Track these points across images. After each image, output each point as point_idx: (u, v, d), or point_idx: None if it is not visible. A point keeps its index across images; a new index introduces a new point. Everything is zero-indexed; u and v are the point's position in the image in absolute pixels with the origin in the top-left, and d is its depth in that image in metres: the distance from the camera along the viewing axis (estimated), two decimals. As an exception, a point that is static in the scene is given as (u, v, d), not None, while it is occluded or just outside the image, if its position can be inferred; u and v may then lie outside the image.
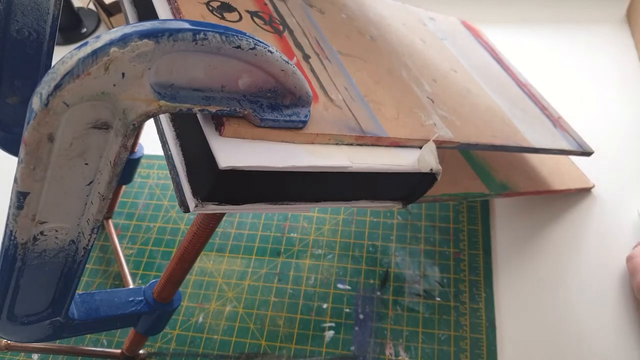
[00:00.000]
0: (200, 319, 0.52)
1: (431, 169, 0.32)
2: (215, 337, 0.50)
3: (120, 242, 0.58)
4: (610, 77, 0.70)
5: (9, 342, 0.45)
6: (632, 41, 0.74)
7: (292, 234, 0.58)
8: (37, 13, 0.38)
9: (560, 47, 0.75)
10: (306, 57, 0.32)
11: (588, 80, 0.70)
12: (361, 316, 0.51)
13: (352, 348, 0.49)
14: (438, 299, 0.51)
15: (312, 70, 0.32)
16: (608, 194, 0.58)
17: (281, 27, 0.34)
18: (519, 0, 0.82)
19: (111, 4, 0.80)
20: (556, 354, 0.47)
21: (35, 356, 0.50)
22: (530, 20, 0.80)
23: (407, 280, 0.53)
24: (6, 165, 0.64)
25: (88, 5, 0.87)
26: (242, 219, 0.59)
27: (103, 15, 0.82)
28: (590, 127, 0.63)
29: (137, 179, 0.64)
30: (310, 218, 0.59)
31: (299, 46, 0.33)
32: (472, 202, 0.58)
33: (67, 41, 0.83)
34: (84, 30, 0.85)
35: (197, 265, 0.55)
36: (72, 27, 0.84)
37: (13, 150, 0.45)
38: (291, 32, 0.34)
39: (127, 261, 0.57)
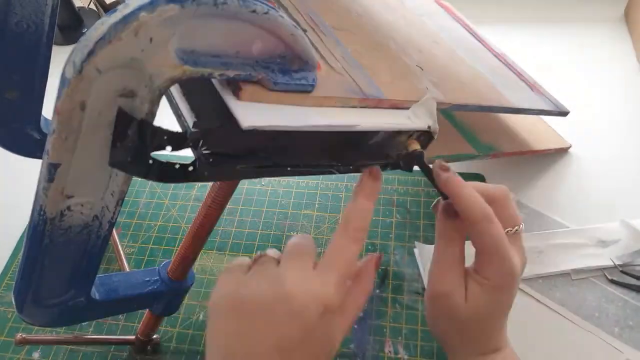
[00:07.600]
0: (201, 317, 0.52)
1: (429, 126, 0.34)
2: (216, 334, 0.51)
3: (121, 241, 0.58)
4: (608, 76, 0.70)
5: (23, 335, 0.46)
6: (630, 40, 0.74)
7: (292, 233, 0.58)
8: (35, 5, 0.38)
9: (558, 45, 0.75)
10: (303, 31, 0.34)
11: (586, 78, 0.70)
12: (360, 314, 0.51)
13: (352, 346, 0.49)
14: (437, 296, 0.51)
15: (311, 42, 0.34)
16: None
17: (276, 5, 0.35)
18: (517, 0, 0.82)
19: (112, 4, 0.81)
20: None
21: (36, 354, 0.51)
22: (528, 19, 0.80)
23: (406, 279, 0.53)
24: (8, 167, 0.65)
25: (89, 5, 0.87)
26: (242, 218, 0.60)
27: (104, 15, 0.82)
28: (589, 126, 0.64)
29: (137, 178, 0.64)
30: (310, 216, 0.59)
31: (294, 22, 0.35)
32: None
33: (67, 41, 0.83)
34: (85, 30, 0.85)
35: (198, 263, 0.55)
36: (73, 26, 0.85)
37: (11, 146, 0.45)
38: (285, 10, 0.36)
39: (128, 260, 0.57)
